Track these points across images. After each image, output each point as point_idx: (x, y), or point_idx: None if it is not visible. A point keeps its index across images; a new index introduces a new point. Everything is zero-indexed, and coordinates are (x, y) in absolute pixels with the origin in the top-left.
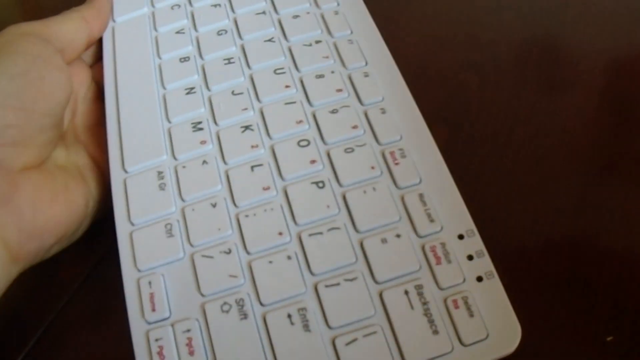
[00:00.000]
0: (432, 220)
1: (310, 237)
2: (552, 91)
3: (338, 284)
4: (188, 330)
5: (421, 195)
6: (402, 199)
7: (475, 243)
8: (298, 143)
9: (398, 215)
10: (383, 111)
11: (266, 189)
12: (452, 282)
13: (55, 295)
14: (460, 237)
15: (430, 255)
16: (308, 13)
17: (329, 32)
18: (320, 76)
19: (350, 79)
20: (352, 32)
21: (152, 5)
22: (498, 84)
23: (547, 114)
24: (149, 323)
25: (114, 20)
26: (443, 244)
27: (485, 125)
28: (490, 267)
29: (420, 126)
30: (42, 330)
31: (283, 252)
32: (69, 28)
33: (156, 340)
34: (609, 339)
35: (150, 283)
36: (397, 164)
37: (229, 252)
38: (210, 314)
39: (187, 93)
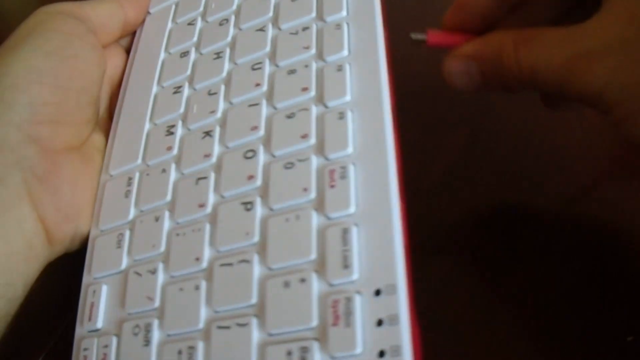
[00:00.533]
0: (346, 266)
1: (221, 267)
2: None
3: (229, 327)
4: (106, 346)
5: (345, 231)
6: (324, 233)
7: (392, 304)
8: (245, 154)
9: (313, 253)
10: (341, 116)
11: (201, 206)
12: (344, 352)
13: None
14: (377, 292)
15: (329, 312)
16: None
17: (322, 14)
18: (292, 72)
19: (321, 73)
20: (348, 14)
21: None
22: None
23: (570, 114)
24: (86, 331)
25: (149, 12)
26: (348, 300)
27: (506, 126)
28: (400, 340)
29: (383, 138)
30: None
31: (194, 280)
32: (102, 11)
33: (85, 349)
34: (629, 339)
35: (94, 292)
36: (332, 186)
37: (154, 272)
38: (124, 333)
39: (174, 92)
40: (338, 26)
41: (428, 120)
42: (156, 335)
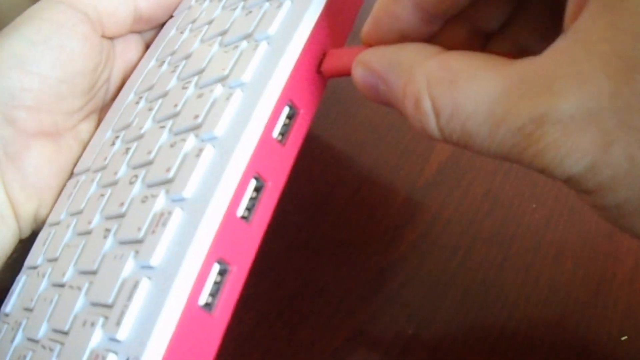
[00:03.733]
0: (118, 323)
1: (68, 288)
2: None
3: (44, 348)
4: None
5: (135, 284)
6: (125, 281)
7: None
8: (130, 179)
9: (111, 299)
10: (198, 154)
11: (89, 222)
12: None
13: None
14: None
15: None
16: (260, 7)
17: (255, 30)
18: (200, 96)
19: (214, 101)
20: (274, 33)
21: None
22: None
23: None
24: (2, 313)
25: (172, 15)
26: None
27: None
28: None
29: (214, 189)
30: None
31: (53, 294)
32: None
33: None
34: (623, 338)
35: (18, 280)
36: (153, 232)
37: (43, 276)
38: (9, 325)
39: (136, 102)
40: (256, 46)
41: None
42: (19, 336)
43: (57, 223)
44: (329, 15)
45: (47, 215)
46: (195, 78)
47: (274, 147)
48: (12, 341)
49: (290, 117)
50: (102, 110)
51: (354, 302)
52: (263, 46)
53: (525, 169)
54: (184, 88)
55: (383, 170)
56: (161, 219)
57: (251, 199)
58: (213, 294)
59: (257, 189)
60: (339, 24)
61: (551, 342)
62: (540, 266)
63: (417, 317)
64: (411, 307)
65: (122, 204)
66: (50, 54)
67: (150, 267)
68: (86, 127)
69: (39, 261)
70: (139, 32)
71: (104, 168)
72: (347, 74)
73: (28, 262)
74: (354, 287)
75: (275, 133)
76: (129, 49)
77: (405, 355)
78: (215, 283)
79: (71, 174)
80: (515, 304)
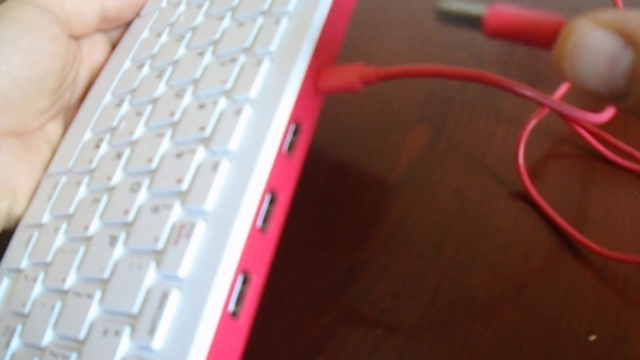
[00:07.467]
0: (151, 332)
1: (72, 295)
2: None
3: (42, 357)
4: None
5: (164, 295)
6: (151, 290)
7: None
8: (132, 186)
9: (135, 308)
10: (214, 167)
11: (85, 227)
12: None
13: None
14: None
15: None
16: (254, 21)
17: (254, 45)
18: (202, 106)
19: (221, 114)
20: (275, 49)
21: (168, 1)
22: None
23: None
24: None
25: (140, 15)
26: None
27: (467, 124)
28: None
29: (239, 204)
30: None
31: (54, 299)
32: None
33: None
34: (592, 338)
35: (4, 282)
36: (175, 243)
37: (34, 280)
38: None
39: (117, 105)
40: (258, 62)
41: (388, 118)
42: (15, 342)
43: (40, 225)
44: (325, 34)
45: (21, 215)
46: (191, 87)
47: (284, 161)
48: (7, 346)
49: (295, 132)
50: (69, 112)
51: (322, 301)
52: (266, 63)
53: (493, 168)
54: (178, 96)
55: (352, 170)
56: (182, 230)
57: (267, 211)
58: (238, 302)
59: (272, 201)
60: (332, 42)
61: (520, 342)
62: (509, 266)
63: (385, 317)
64: (380, 306)
65: (126, 212)
66: (19, 54)
67: (177, 278)
68: (54, 128)
69: (23, 264)
70: (104, 32)
71: (91, 171)
72: (346, 90)
73: (7, 263)
74: (322, 286)
75: (285, 148)
76: (95, 48)
77: (374, 355)
78: (240, 292)
79: (43, 175)
80: (484, 303)
